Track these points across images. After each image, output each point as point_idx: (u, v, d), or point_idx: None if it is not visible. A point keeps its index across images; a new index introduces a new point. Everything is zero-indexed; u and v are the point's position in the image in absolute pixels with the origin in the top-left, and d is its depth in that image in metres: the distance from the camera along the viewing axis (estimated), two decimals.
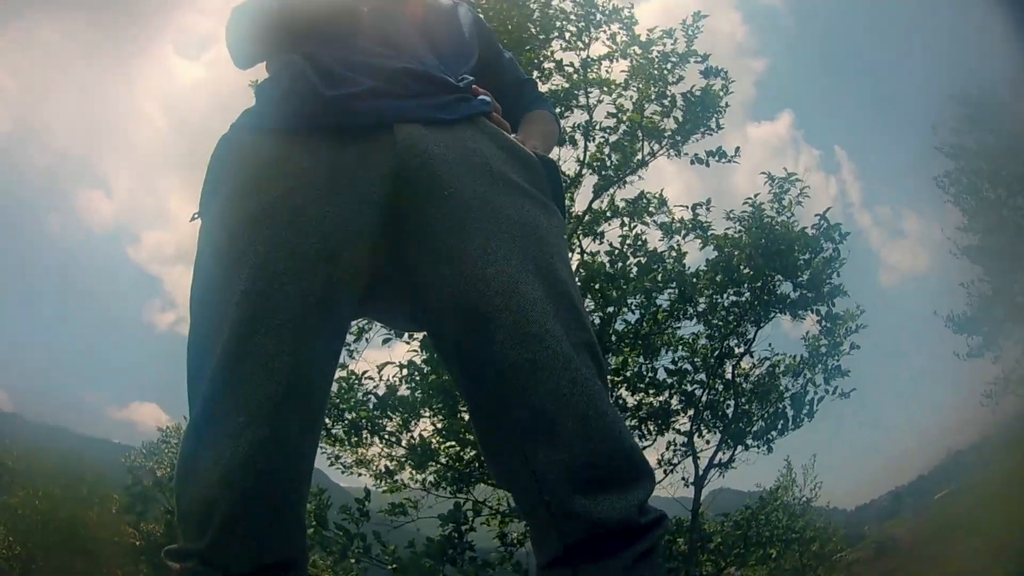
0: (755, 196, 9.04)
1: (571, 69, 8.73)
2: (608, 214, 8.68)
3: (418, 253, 1.35)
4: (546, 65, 8.82)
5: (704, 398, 9.33)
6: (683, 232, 8.74)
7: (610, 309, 8.50)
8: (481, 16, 1.87)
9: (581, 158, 8.68)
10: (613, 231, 8.83)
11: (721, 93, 8.69)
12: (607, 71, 8.82)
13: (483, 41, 1.81)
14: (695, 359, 9.16)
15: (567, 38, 8.86)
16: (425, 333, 1.88)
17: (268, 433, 1.21)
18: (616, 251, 8.52)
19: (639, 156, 8.72)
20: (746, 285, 8.94)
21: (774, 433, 9.46)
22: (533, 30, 8.72)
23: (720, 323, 9.11)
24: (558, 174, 1.51)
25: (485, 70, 1.79)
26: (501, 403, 1.28)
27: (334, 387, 9.20)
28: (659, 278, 8.52)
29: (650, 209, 8.74)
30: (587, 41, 8.88)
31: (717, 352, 9.24)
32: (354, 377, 8.52)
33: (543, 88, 8.45)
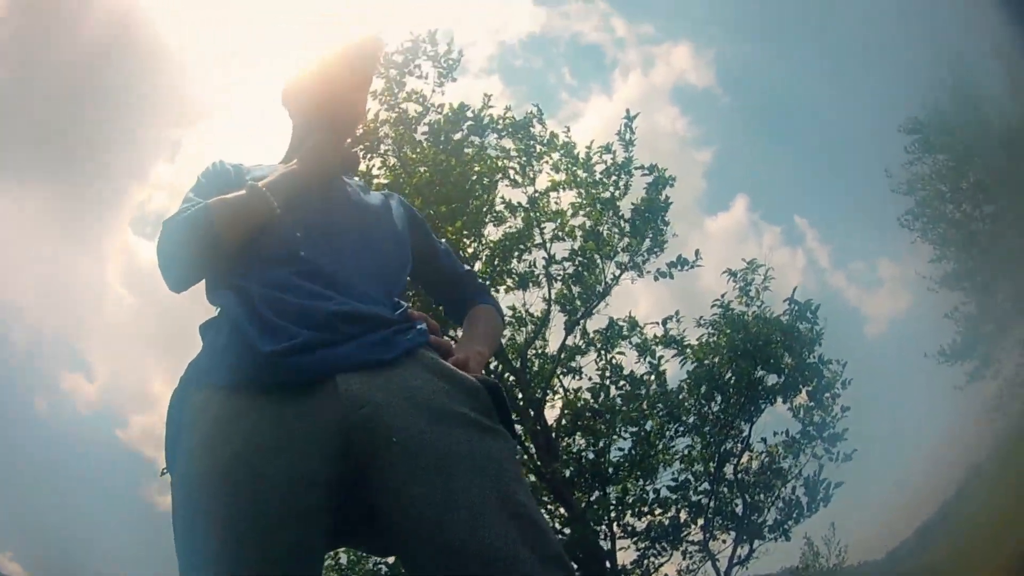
0: (722, 296, 9.03)
1: (520, 209, 8.66)
2: (583, 347, 8.60)
3: (379, 501, 1.35)
4: (498, 208, 8.76)
5: (712, 503, 9.28)
6: (658, 349, 8.68)
7: (601, 443, 8.46)
8: (413, 210, 1.87)
9: (547, 296, 8.62)
10: (589, 363, 8.78)
11: (664, 194, 8.72)
12: (556, 202, 8.79)
13: (417, 236, 1.81)
14: (695, 469, 9.10)
15: (511, 176, 8.81)
16: None
17: None
18: (597, 385, 8.46)
19: (601, 284, 8.66)
20: (731, 389, 8.89)
21: (790, 522, 9.44)
22: (476, 176, 8.67)
23: (712, 432, 9.07)
24: (502, 396, 1.49)
25: (423, 267, 1.82)
26: None
27: (343, 559, 9.15)
28: (644, 405, 8.47)
29: (623, 333, 8.67)
30: (532, 176, 8.84)
31: (716, 457, 9.20)
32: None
33: (496, 233, 8.44)
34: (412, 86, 9.02)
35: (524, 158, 8.79)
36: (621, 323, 8.69)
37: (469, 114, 8.75)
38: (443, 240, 2.01)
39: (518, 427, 8.75)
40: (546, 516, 7.93)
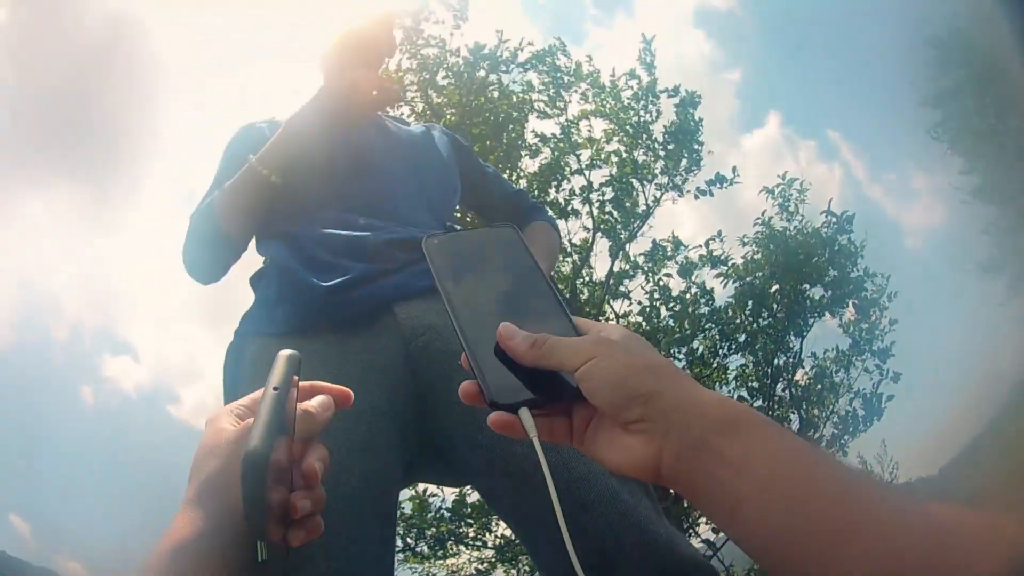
0: (762, 213, 8.99)
1: (553, 140, 8.66)
2: (630, 271, 8.61)
3: (446, 429, 1.32)
4: (530, 140, 8.77)
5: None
6: (703, 270, 8.68)
7: None
8: (456, 136, 1.83)
9: (588, 225, 8.62)
10: (636, 287, 8.78)
11: (694, 114, 8.70)
12: (588, 130, 8.78)
13: (464, 163, 1.77)
14: (749, 386, 9.09)
15: (540, 108, 8.82)
16: None
17: None
18: (647, 308, 8.47)
19: (641, 206, 8.66)
20: (777, 305, 8.87)
21: (847, 437, 9.40)
22: (505, 112, 8.68)
23: (763, 347, 9.05)
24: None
25: (472, 192, 1.78)
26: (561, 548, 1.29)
27: (407, 508, 9.18)
28: (694, 324, 8.46)
29: (667, 254, 8.67)
30: (562, 106, 8.84)
31: (768, 373, 9.17)
32: (419, 499, 8.50)
33: (533, 165, 8.44)
34: (429, 31, 9.05)
35: (552, 90, 8.79)
36: (665, 243, 8.67)
37: (486, 51, 8.77)
38: (488, 163, 1.97)
39: None
40: None
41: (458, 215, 1.99)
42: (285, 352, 0.82)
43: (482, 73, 8.81)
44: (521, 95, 8.81)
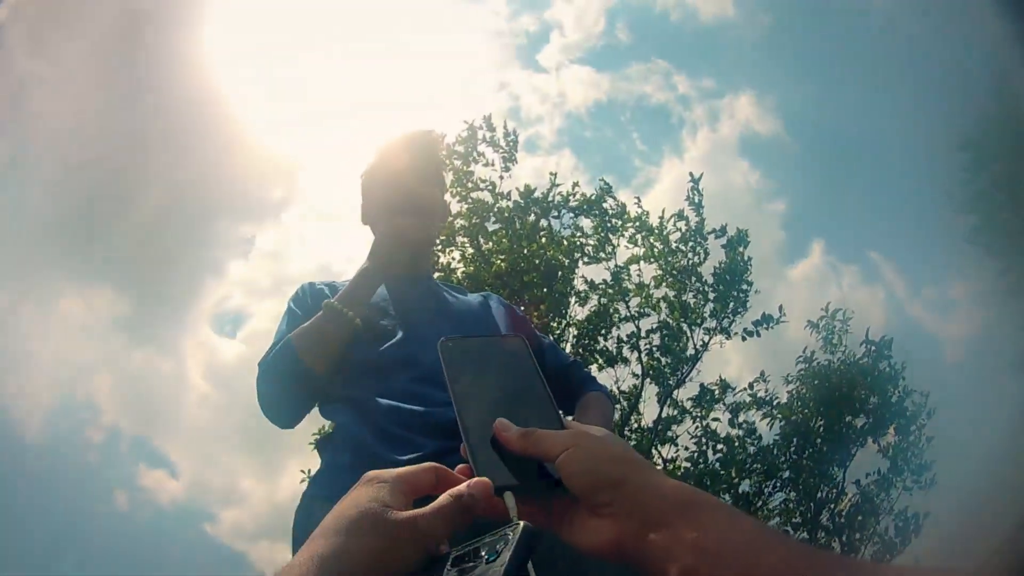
0: (804, 349, 9.17)
1: (603, 286, 8.82)
2: (677, 416, 8.79)
3: None
4: (580, 287, 8.93)
5: None
6: (749, 413, 8.86)
7: None
8: (512, 308, 1.86)
9: (636, 371, 8.80)
10: (683, 432, 8.97)
11: (743, 253, 8.83)
12: (637, 274, 8.93)
13: (521, 333, 1.85)
14: (793, 521, 9.29)
15: (589, 253, 8.96)
16: None
17: None
18: (695, 453, 8.66)
19: (689, 351, 8.82)
20: (820, 440, 9.06)
21: (887, 558, 9.61)
22: (553, 258, 8.83)
23: (806, 482, 9.25)
24: None
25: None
26: None
27: None
28: (740, 466, 8.66)
29: (716, 397, 8.85)
30: (610, 251, 8.98)
31: (811, 506, 9.38)
32: None
33: (582, 312, 8.60)
34: (480, 174, 9.17)
35: (602, 233, 8.93)
36: (712, 387, 8.84)
37: (538, 195, 8.91)
38: (545, 335, 2.01)
39: None
40: None
41: None
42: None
43: (532, 218, 8.95)
44: (571, 240, 8.94)
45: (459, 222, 8.92)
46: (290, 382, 1.52)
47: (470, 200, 8.97)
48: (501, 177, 9.04)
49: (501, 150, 9.06)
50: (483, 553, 0.65)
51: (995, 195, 14.33)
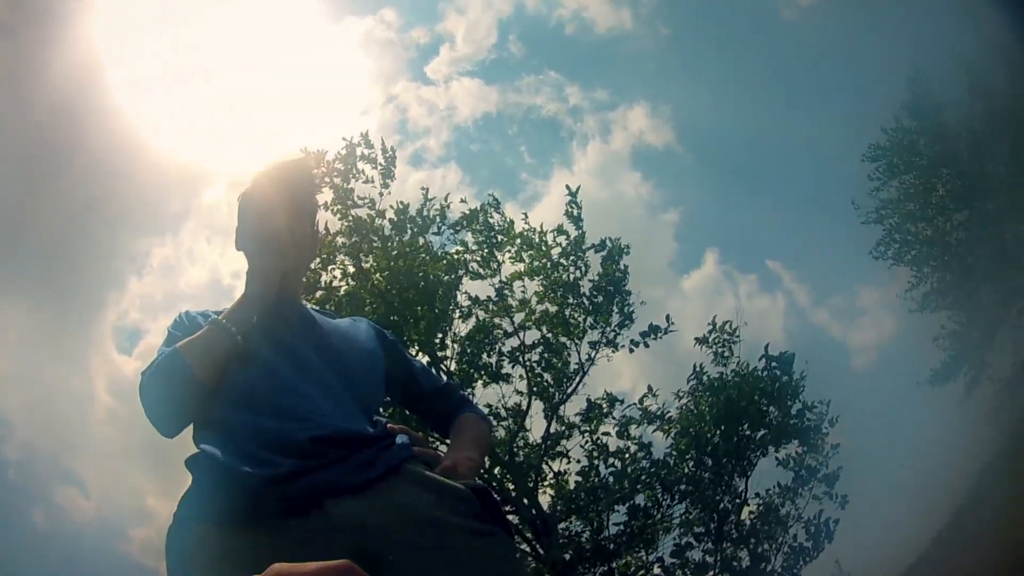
0: (695, 365, 9.10)
1: (487, 302, 8.74)
2: (565, 431, 8.64)
3: None
4: (463, 303, 8.85)
5: (718, 561, 9.24)
6: (640, 427, 8.73)
7: (595, 523, 8.48)
8: (383, 332, 1.88)
9: (520, 388, 8.67)
10: (575, 445, 8.82)
11: (622, 264, 8.80)
12: (522, 291, 8.87)
13: (391, 357, 1.83)
14: (695, 532, 9.09)
15: (474, 269, 8.91)
16: None
17: None
18: (586, 467, 8.51)
19: (573, 365, 8.73)
20: (720, 452, 8.91)
21: (799, 566, 9.40)
22: (440, 275, 8.76)
23: (707, 494, 9.07)
24: (492, 497, 1.53)
25: (402, 388, 1.84)
26: None
27: None
28: (634, 479, 8.50)
29: (604, 411, 8.71)
30: (495, 266, 8.93)
31: (714, 518, 9.19)
32: None
33: (464, 327, 8.50)
34: (360, 191, 9.12)
35: (486, 250, 8.88)
36: (600, 401, 8.71)
37: (412, 212, 8.88)
38: (416, 353, 2.08)
39: (514, 517, 8.75)
40: None
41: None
42: None
43: (409, 235, 8.90)
44: (454, 256, 8.88)
45: (340, 239, 8.85)
46: (177, 387, 1.59)
47: (350, 217, 8.92)
48: (381, 194, 9.01)
49: (380, 167, 9.04)
50: None
51: (903, 203, 14.50)
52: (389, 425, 1.62)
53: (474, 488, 1.51)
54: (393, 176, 9.02)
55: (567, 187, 8.89)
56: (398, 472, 1.49)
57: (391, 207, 9.01)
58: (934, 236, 13.95)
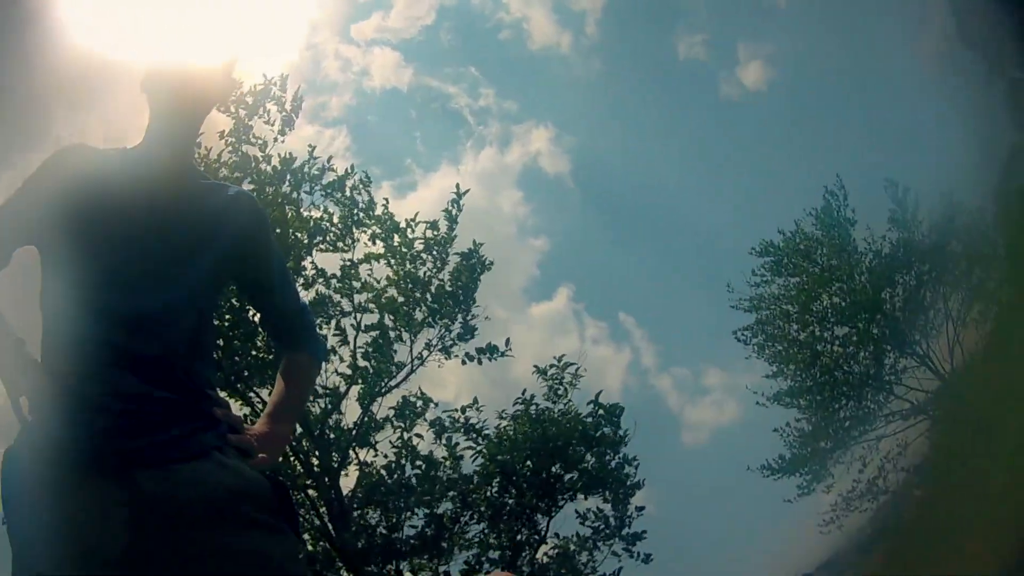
0: (524, 392, 9.08)
1: (333, 278, 8.60)
2: (380, 423, 8.50)
3: None
4: (308, 272, 8.68)
5: None
6: (455, 436, 8.64)
7: (394, 519, 8.37)
8: (257, 227, 1.68)
9: (342, 370, 8.52)
10: (385, 439, 8.70)
11: (478, 279, 8.77)
12: (369, 274, 8.75)
13: (251, 261, 1.70)
14: (489, 556, 8.99)
15: (329, 240, 8.76)
16: None
17: None
18: (392, 463, 8.38)
19: (404, 358, 8.63)
20: (526, 484, 8.87)
21: None
22: (298, 236, 8.59)
23: (506, 522, 9.01)
24: (288, 495, 1.57)
25: (252, 297, 1.83)
26: None
27: None
28: (437, 487, 8.39)
29: (417, 411, 8.60)
30: (350, 243, 8.80)
31: (511, 547, 9.11)
32: None
33: (307, 295, 8.32)
34: (257, 131, 8.96)
35: (347, 224, 8.76)
36: (414, 399, 8.61)
37: (296, 166, 8.73)
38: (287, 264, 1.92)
39: (312, 492, 8.59)
40: None
41: None
42: None
43: (286, 187, 8.74)
44: (319, 220, 8.74)
45: (222, 172, 8.59)
46: None
47: (239, 153, 8.70)
48: (275, 139, 8.85)
49: (284, 113, 8.90)
50: None
51: (781, 303, 14.84)
52: (216, 411, 1.57)
53: (274, 484, 1.56)
54: (293, 126, 8.90)
55: (457, 186, 8.90)
56: (210, 457, 1.51)
57: (278, 155, 8.84)
58: (806, 341, 14.29)
